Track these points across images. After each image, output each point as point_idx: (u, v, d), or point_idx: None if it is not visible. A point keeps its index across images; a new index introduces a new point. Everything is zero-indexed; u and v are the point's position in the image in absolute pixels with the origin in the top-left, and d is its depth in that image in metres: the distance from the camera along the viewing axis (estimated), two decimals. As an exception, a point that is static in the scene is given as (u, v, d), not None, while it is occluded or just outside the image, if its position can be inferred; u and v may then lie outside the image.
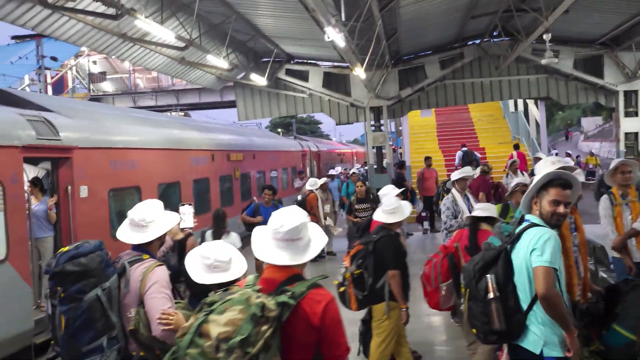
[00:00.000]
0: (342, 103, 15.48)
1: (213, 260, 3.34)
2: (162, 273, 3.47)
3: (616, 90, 14.78)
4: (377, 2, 8.60)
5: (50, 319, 3.30)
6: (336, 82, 15.33)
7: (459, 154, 18.83)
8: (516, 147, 19.43)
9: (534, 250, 3.35)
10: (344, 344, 2.63)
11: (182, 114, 27.31)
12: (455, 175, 8.00)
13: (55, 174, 8.22)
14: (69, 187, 8.11)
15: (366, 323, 5.54)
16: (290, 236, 2.68)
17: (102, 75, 30.57)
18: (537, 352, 3.42)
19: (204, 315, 2.43)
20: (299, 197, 12.80)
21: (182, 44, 9.96)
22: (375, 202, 9.93)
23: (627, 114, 14.82)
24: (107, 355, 3.27)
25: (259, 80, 14.23)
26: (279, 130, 44.05)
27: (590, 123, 57.33)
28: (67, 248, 3.33)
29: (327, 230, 12.91)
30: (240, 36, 12.39)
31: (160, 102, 30.37)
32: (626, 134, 14.85)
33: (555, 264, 3.33)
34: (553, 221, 3.48)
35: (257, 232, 2.81)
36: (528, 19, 12.01)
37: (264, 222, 2.69)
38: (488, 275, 3.55)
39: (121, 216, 9.83)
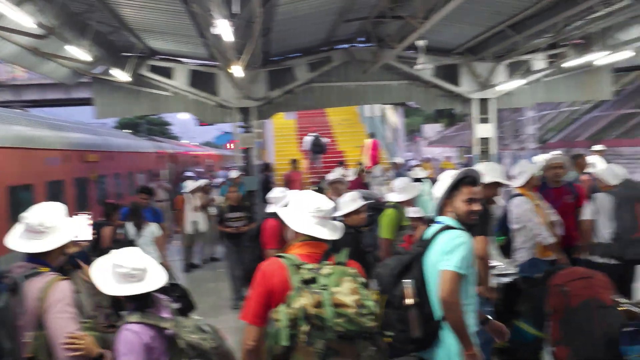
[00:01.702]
0: (209, 103, 14.97)
1: (127, 269, 3.02)
2: (65, 289, 2.94)
3: (471, 98, 15.72)
4: (260, -2, 8.33)
5: None
6: (203, 81, 14.77)
7: (307, 139, 19.10)
8: (372, 135, 20.19)
9: (445, 254, 3.31)
10: None
11: (22, 111, 24.99)
12: (331, 177, 8.03)
13: None
14: None
15: None
16: (328, 214, 3.14)
17: None
18: None
19: (320, 289, 2.71)
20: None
21: (40, 32, 8.99)
22: (250, 210, 9.36)
23: (480, 121, 15.81)
24: None
25: (120, 76, 13.33)
26: (128, 131, 41.96)
27: (430, 129, 61.16)
28: None
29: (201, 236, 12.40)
30: (102, 27, 11.51)
31: (-2, 97, 27.68)
32: (479, 139, 15.83)
33: (463, 270, 3.29)
34: (470, 220, 3.49)
35: (289, 211, 3.18)
36: (397, 25, 12.37)
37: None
38: (406, 281, 3.46)
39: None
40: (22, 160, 10.29)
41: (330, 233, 3.09)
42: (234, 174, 13.30)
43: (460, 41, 14.57)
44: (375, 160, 20.13)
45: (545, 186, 6.44)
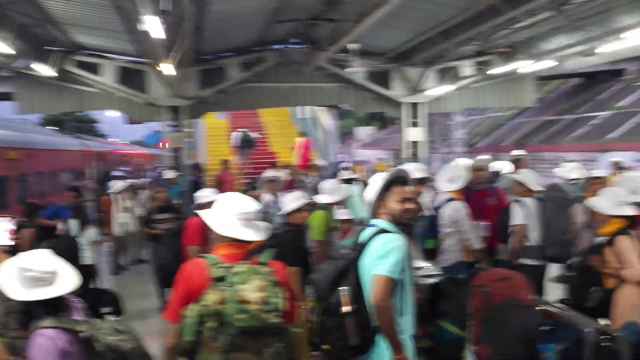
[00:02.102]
0: (138, 101, 14.60)
1: (36, 272, 2.90)
2: None
3: (401, 102, 16.00)
4: (192, -5, 8.21)
5: None
6: (132, 78, 14.38)
7: (236, 134, 19.02)
8: (303, 134, 20.24)
9: (378, 258, 3.31)
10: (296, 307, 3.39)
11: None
12: (266, 176, 8.03)
13: None
14: None
15: None
16: (254, 216, 3.19)
17: None
18: None
19: (227, 287, 2.79)
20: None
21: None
22: (178, 211, 9.03)
23: (410, 124, 16.12)
24: None
25: (43, 70, 12.81)
26: (53, 128, 40.45)
27: (363, 132, 61.92)
28: None
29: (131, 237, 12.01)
30: (24, 20, 11.02)
31: None
32: (409, 142, 16.14)
33: (396, 274, 3.30)
34: (405, 219, 3.50)
35: (211, 213, 3.20)
36: (330, 28, 12.45)
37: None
38: (342, 288, 3.43)
39: None
40: None
41: (253, 234, 3.14)
42: (169, 174, 12.88)
43: (392, 46, 14.81)
44: (306, 159, 20.19)
45: (468, 189, 6.61)
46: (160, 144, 30.23)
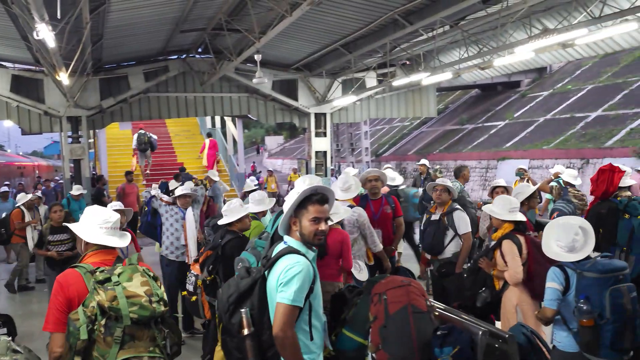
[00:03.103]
0: (34, 111, 13.92)
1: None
2: None
3: (308, 112, 16.18)
4: (89, 3, 7.93)
5: None
6: (27, 87, 13.70)
7: (136, 136, 18.56)
8: (209, 135, 20.13)
9: (281, 285, 3.21)
10: None
11: None
12: (178, 191, 7.77)
13: None
14: None
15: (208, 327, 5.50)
16: (115, 225, 3.41)
17: None
18: None
19: (114, 286, 3.01)
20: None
21: None
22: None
23: (317, 134, 16.32)
24: None
25: None
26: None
27: (272, 141, 61.93)
28: None
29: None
30: None
31: None
32: (316, 152, 16.33)
33: (299, 302, 3.20)
34: (316, 240, 3.36)
35: (78, 225, 3.43)
36: (234, 38, 12.42)
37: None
38: (242, 310, 3.34)
39: None
40: None
41: (119, 241, 3.40)
42: (76, 190, 12.03)
43: (298, 57, 14.97)
44: (212, 160, 20.17)
45: (365, 198, 6.82)
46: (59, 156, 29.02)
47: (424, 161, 12.55)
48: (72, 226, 3.46)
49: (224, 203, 7.57)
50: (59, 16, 7.03)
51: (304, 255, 3.32)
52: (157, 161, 20.03)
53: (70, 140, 14.15)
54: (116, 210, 5.22)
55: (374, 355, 4.27)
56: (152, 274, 3.20)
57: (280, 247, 3.44)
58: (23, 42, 11.18)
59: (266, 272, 3.39)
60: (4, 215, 11.26)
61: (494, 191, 7.26)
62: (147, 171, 19.22)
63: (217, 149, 20.55)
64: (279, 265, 3.28)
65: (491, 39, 12.29)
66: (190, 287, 5.45)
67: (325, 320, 3.74)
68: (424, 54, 14.36)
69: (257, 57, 11.71)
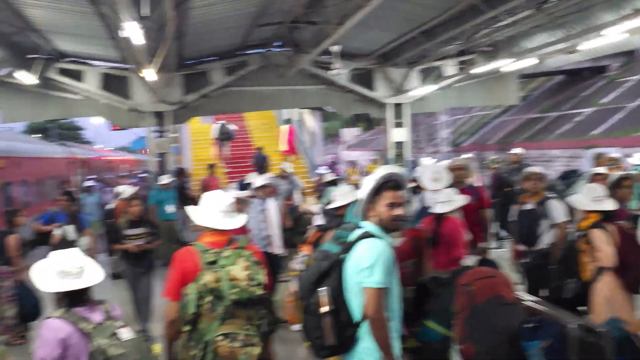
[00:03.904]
0: (122, 107, 14.55)
1: (65, 266, 3.27)
2: None
3: (385, 103, 16.06)
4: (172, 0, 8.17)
5: None
6: (116, 84, 14.33)
7: (215, 126, 19.29)
8: (288, 121, 20.60)
9: (364, 269, 3.31)
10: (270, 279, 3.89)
11: None
12: (258, 182, 7.90)
13: None
14: None
15: None
16: (230, 208, 3.79)
17: None
18: None
19: (219, 268, 3.42)
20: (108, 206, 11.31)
21: None
22: (153, 226, 8.04)
23: (395, 125, 16.19)
24: None
25: (25, 78, 12.71)
26: (37, 135, 40.21)
27: (349, 134, 61.95)
28: None
29: None
30: (5, 28, 10.93)
31: None
32: (394, 143, 16.20)
33: (385, 284, 3.32)
34: (392, 225, 3.48)
35: (197, 209, 3.83)
36: (312, 31, 12.48)
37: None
38: (321, 289, 3.46)
39: None
40: None
41: (230, 223, 3.76)
42: (164, 179, 12.48)
43: (375, 47, 14.86)
44: (292, 146, 20.61)
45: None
46: (146, 150, 30.15)
47: (516, 150, 12.21)
48: (190, 210, 3.86)
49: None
50: (145, 14, 7.29)
51: (381, 239, 3.42)
52: (236, 154, 20.48)
53: (155, 134, 14.69)
54: (237, 199, 5.85)
55: (459, 347, 4.20)
56: (255, 259, 3.53)
57: (357, 232, 3.52)
58: (111, 41, 11.67)
59: (344, 255, 3.48)
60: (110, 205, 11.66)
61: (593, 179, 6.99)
62: (227, 159, 20.00)
63: (294, 135, 21.01)
64: (357, 249, 3.40)
65: (577, 21, 11.76)
66: (299, 267, 5.78)
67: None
68: (505, 39, 13.93)
69: (335, 49, 11.71)
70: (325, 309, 3.39)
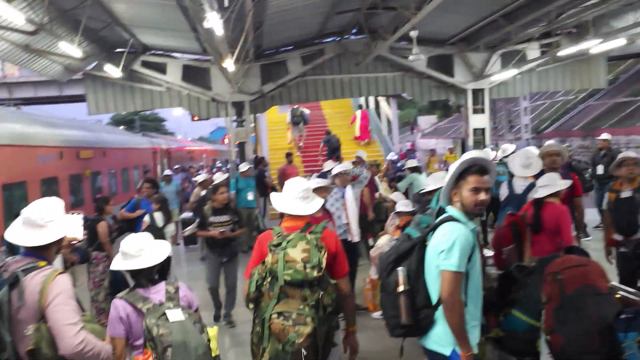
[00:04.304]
0: (203, 98, 14.94)
1: (129, 248, 3.50)
2: (65, 282, 2.98)
3: (465, 89, 15.71)
4: (251, -10, 8.29)
5: None
6: (196, 75, 14.74)
7: (290, 110, 19.50)
8: (361, 107, 20.63)
9: (442, 252, 3.29)
10: (347, 265, 3.98)
11: (15, 109, 24.96)
12: (335, 170, 7.90)
13: None
14: None
15: None
16: (305, 194, 3.95)
17: None
18: (447, 352, 3.35)
19: (280, 250, 3.57)
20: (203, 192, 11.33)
21: (30, 28, 8.93)
22: (237, 213, 7.91)
23: (474, 111, 15.81)
24: None
25: (112, 71, 13.26)
26: (121, 127, 41.93)
27: (425, 121, 61.08)
28: None
29: None
30: (93, 23, 11.42)
31: (-10, 95, 27.53)
32: (474, 129, 15.83)
33: (462, 267, 3.27)
34: (476, 210, 3.41)
35: (280, 196, 4.02)
36: (389, 16, 12.34)
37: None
38: (399, 268, 3.47)
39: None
40: (15, 158, 10.25)
41: (303, 209, 3.91)
42: (243, 166, 12.65)
43: (454, 31, 14.54)
44: (365, 131, 20.62)
45: (542, 174, 6.45)
46: (226, 140, 30.78)
47: (605, 135, 11.69)
48: (272, 196, 4.10)
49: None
50: (225, 4, 7.41)
51: (463, 224, 3.37)
52: (312, 143, 20.61)
53: (235, 124, 14.98)
54: (318, 188, 6.45)
55: (547, 337, 4.07)
56: (317, 244, 3.59)
57: (442, 216, 3.50)
58: (192, 33, 11.98)
59: (426, 237, 3.49)
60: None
61: None
62: (301, 144, 20.19)
63: (368, 120, 21.03)
64: (438, 232, 3.38)
65: (673, -2, 11.08)
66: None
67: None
68: (593, 19, 13.28)
69: (413, 34, 11.52)
70: (401, 288, 3.41)
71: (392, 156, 17.94)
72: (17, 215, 3.21)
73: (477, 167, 3.39)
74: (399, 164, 16.48)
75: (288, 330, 3.43)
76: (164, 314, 3.32)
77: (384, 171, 16.58)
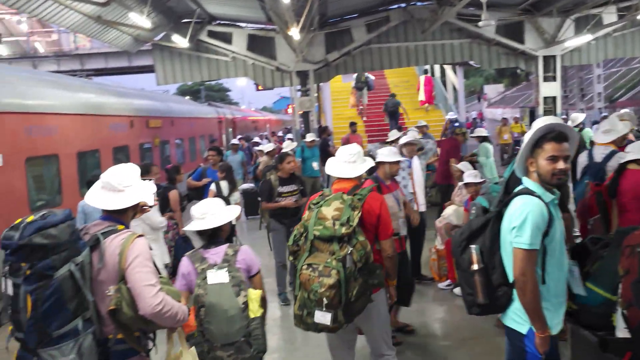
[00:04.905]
0: (267, 67, 15.01)
1: (197, 212, 3.82)
2: (143, 245, 3.07)
3: (536, 56, 15.18)
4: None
5: (10, 300, 2.80)
6: (261, 45, 14.81)
7: (353, 76, 19.36)
8: (426, 72, 20.42)
9: (514, 229, 3.12)
10: (391, 227, 4.17)
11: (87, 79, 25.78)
12: (403, 140, 7.84)
13: (-34, 141, 7.42)
14: (-18, 156, 7.37)
15: None
16: (352, 159, 4.17)
17: (-4, 38, 28.21)
18: (523, 331, 3.25)
19: (316, 208, 3.87)
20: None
21: (102, 0, 9.16)
22: (302, 182, 7.77)
23: (545, 79, 15.28)
24: (81, 340, 2.84)
25: (180, 42, 13.47)
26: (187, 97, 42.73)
27: (492, 90, 59.58)
28: (30, 218, 2.82)
29: None
30: (161, -6, 11.61)
31: (64, 67, 28.46)
32: (545, 98, 15.32)
33: (536, 245, 3.09)
34: (554, 181, 3.18)
35: (331, 160, 4.32)
36: (457, -18, 11.99)
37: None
38: (472, 246, 3.35)
39: (39, 187, 9.10)
40: (89, 126, 10.60)
41: (346, 172, 4.15)
42: (309, 137, 12.64)
43: (524, -4, 14.04)
44: (430, 95, 20.46)
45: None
46: (290, 109, 30.92)
47: None
48: (328, 161, 4.33)
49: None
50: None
51: (538, 197, 3.16)
52: (376, 112, 20.47)
53: (299, 94, 15.02)
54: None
55: (624, 312, 3.95)
56: (352, 204, 3.84)
57: (517, 189, 3.31)
58: (257, 1, 12.00)
59: (499, 212, 3.31)
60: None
61: None
62: (361, 107, 20.24)
63: (432, 85, 20.76)
64: (511, 206, 3.20)
65: None
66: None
67: (575, 267, 3.55)
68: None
69: (484, -1, 11.19)
70: (475, 267, 3.30)
71: (451, 115, 18.02)
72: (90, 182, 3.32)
73: (555, 134, 3.16)
74: (456, 123, 16.60)
75: (312, 281, 3.69)
76: (206, 276, 3.59)
77: (442, 130, 16.96)
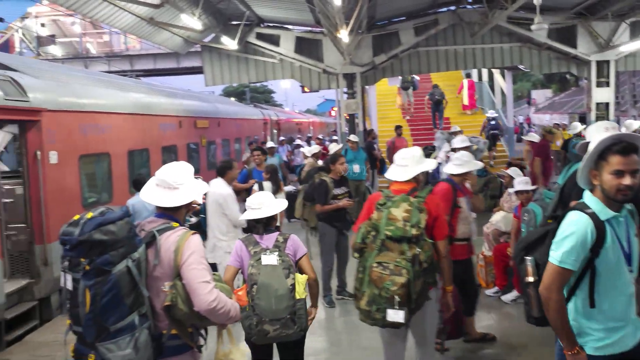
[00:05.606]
0: (314, 69, 15.06)
1: (250, 203, 4.26)
2: (198, 242, 3.12)
3: (589, 60, 14.82)
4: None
5: (69, 294, 2.87)
6: (308, 47, 14.87)
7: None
8: (468, 75, 20.25)
9: (554, 243, 2.99)
10: (447, 228, 4.35)
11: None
12: (457, 143, 7.80)
13: (23, 138, 7.63)
14: (38, 153, 7.56)
15: None
16: (404, 162, 4.29)
17: (51, 39, 29.00)
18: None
19: (384, 209, 4.04)
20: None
21: (156, 2, 9.33)
22: (348, 183, 7.69)
23: (598, 84, 14.91)
24: (138, 334, 2.89)
25: (229, 43, 13.63)
26: (232, 98, 43.13)
27: (540, 95, 58.34)
28: (90, 214, 2.88)
29: None
30: (211, -4, 11.77)
31: (114, 67, 29.04)
32: (597, 104, 14.95)
33: (569, 265, 2.92)
34: (619, 197, 2.89)
35: (392, 167, 4.47)
36: (508, -16, 11.81)
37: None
38: (528, 258, 3.22)
39: (91, 184, 9.33)
40: (140, 126, 10.80)
41: (398, 175, 4.32)
42: (353, 138, 12.56)
43: (577, 0, 13.70)
44: (473, 99, 20.55)
45: None
46: (333, 112, 30.94)
47: None
48: (390, 168, 4.50)
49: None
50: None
51: (590, 214, 2.94)
52: (422, 117, 20.33)
53: (345, 96, 15.00)
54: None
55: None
56: (419, 206, 4.01)
57: (576, 203, 3.12)
58: (306, 4, 12.05)
59: (556, 225, 3.11)
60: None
61: None
62: (410, 108, 20.59)
63: (474, 89, 20.66)
64: (564, 220, 3.03)
65: None
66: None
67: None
68: None
69: (537, 1, 10.96)
70: (529, 279, 3.18)
71: (492, 114, 18.08)
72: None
73: (622, 146, 2.89)
74: (492, 122, 17.32)
75: (384, 279, 3.85)
76: (260, 258, 3.93)
77: (481, 128, 17.51)
